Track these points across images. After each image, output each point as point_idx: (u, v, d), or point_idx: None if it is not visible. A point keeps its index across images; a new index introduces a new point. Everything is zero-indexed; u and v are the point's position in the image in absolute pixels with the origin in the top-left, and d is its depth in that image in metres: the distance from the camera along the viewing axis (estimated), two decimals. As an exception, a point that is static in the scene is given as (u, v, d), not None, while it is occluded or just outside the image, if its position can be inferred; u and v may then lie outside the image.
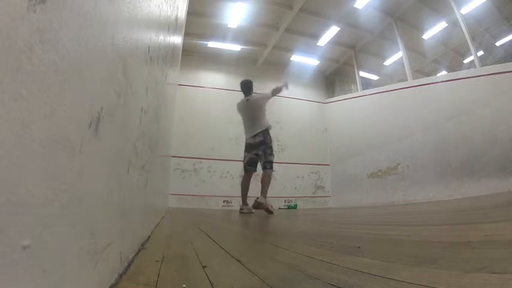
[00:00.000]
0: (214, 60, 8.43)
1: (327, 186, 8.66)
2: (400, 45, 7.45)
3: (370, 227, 2.30)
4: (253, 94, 4.29)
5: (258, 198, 3.88)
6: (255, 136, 4.08)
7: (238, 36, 7.85)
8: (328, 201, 8.42)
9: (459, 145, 5.55)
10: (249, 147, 4.11)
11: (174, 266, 0.89)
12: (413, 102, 6.61)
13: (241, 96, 4.56)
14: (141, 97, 1.01)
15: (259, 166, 4.14)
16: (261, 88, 8.84)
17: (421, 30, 7.79)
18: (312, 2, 6.76)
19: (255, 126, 4.11)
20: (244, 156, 4.11)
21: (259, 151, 4.05)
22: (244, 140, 4.35)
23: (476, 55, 6.07)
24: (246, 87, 4.29)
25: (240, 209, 4.13)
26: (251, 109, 4.20)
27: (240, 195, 4.10)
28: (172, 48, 2.74)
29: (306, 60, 9.05)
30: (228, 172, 7.83)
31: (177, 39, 3.43)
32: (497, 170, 4.85)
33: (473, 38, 6.30)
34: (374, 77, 9.81)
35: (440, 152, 5.88)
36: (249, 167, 4.10)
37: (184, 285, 0.67)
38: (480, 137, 5.24)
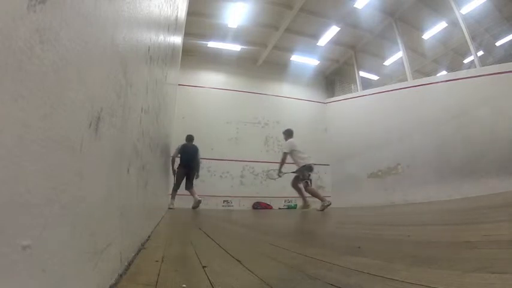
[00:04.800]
0: (214, 60, 8.42)
1: (327, 186, 8.65)
2: (400, 45, 7.45)
3: (370, 227, 2.30)
4: None
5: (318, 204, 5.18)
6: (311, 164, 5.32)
7: (238, 36, 7.84)
8: (328, 201, 8.41)
9: (459, 145, 5.54)
10: (310, 169, 5.30)
11: (174, 266, 0.89)
12: (413, 102, 6.61)
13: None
14: (141, 97, 1.01)
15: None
16: (260, 88, 8.93)
17: (421, 30, 7.78)
18: (312, 2, 6.76)
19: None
20: (309, 174, 5.27)
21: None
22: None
23: (476, 55, 6.07)
24: (292, 133, 5.65)
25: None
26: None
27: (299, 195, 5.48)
28: (172, 48, 2.74)
29: (306, 60, 9.04)
30: (228, 172, 7.83)
31: (177, 39, 3.43)
32: (497, 170, 4.84)
33: (473, 38, 6.29)
34: (374, 77, 9.80)
35: (440, 152, 5.88)
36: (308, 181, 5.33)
37: (184, 285, 0.67)
38: (480, 137, 5.24)
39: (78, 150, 0.42)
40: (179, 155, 5.75)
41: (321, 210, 4.94)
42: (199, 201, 5.58)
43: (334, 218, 3.54)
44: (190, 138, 6.01)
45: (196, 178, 5.90)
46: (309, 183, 5.22)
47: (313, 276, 0.72)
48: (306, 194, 5.31)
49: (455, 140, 5.61)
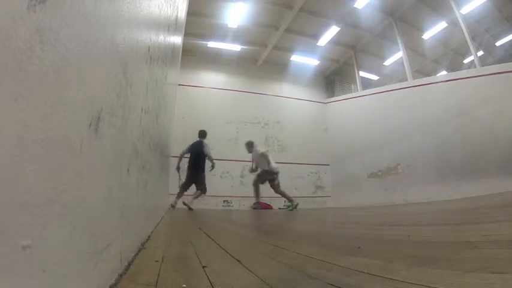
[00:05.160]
0: (214, 60, 8.42)
1: (327, 186, 8.65)
2: (400, 45, 7.45)
3: (370, 227, 2.30)
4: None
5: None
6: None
7: (238, 36, 7.84)
8: (328, 201, 8.41)
9: (459, 145, 5.55)
10: (270, 174, 5.85)
11: (174, 266, 0.89)
12: (413, 102, 6.61)
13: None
14: (141, 97, 1.01)
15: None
16: (260, 88, 8.94)
17: (421, 30, 7.78)
18: (312, 2, 6.76)
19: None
20: (274, 178, 5.84)
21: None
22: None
23: (476, 55, 6.07)
24: (252, 144, 6.20)
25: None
26: None
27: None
28: (172, 48, 2.74)
29: (306, 60, 9.04)
30: (228, 172, 7.82)
31: (177, 39, 3.43)
32: (497, 170, 4.84)
33: (473, 38, 6.29)
34: (374, 77, 9.80)
35: (440, 152, 5.88)
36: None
37: (184, 285, 0.67)
38: (480, 137, 5.24)
39: (78, 150, 0.42)
40: (188, 154, 5.61)
41: (253, 208, 5.83)
42: (175, 203, 5.27)
43: (334, 218, 3.55)
44: (199, 134, 5.82)
45: (210, 170, 5.75)
46: (262, 183, 5.86)
47: (313, 276, 0.72)
48: (282, 193, 5.97)
49: (455, 140, 5.61)
